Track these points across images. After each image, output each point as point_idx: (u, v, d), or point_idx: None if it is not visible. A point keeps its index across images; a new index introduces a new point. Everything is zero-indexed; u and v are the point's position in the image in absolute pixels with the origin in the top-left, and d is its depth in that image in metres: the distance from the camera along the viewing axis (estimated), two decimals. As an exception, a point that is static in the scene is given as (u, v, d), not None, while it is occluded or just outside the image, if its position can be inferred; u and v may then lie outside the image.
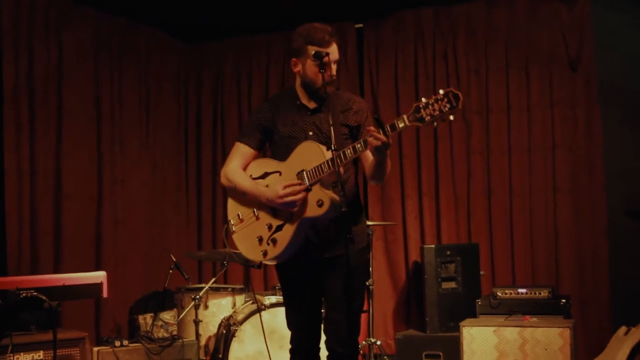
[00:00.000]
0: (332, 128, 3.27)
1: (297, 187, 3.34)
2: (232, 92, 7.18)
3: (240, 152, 3.63)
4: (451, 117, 3.09)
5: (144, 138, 6.71)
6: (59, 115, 5.85)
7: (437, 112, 3.09)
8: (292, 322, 3.65)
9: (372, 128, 3.18)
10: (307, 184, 3.35)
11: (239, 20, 6.82)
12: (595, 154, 6.00)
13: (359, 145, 3.25)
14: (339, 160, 3.27)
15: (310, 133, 3.49)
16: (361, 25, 6.73)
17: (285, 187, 3.35)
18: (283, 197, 3.34)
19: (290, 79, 6.80)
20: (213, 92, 7.27)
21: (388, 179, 6.36)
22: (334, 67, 3.45)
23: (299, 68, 3.51)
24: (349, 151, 3.28)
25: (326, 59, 3.37)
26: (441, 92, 3.09)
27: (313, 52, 3.37)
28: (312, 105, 3.53)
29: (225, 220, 3.66)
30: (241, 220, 3.57)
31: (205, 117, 7.26)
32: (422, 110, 3.11)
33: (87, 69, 6.12)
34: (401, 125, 3.15)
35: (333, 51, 3.43)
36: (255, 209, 3.52)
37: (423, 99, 3.13)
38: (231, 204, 3.64)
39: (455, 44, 6.41)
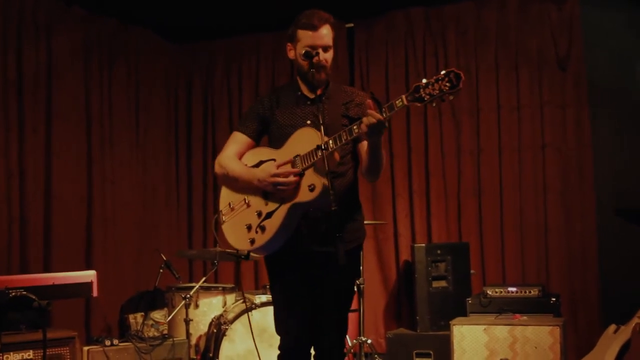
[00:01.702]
0: (320, 116, 3.23)
1: (290, 169, 3.29)
2: (223, 92, 7.19)
3: (236, 140, 3.59)
4: (451, 97, 3.02)
5: (134, 138, 6.70)
6: (48, 116, 5.84)
7: (437, 92, 3.01)
8: (282, 324, 3.51)
9: (369, 102, 3.12)
10: (301, 167, 3.29)
11: (229, 21, 6.82)
12: (585, 153, 6.02)
13: (355, 127, 3.17)
14: (334, 144, 3.21)
15: (309, 122, 3.42)
16: (352, 25, 6.74)
17: (278, 166, 3.31)
18: (274, 176, 3.29)
19: (281, 80, 6.87)
20: (203, 92, 7.27)
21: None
22: (322, 53, 3.39)
23: (292, 53, 3.49)
24: (344, 134, 3.20)
25: (312, 42, 3.37)
26: (442, 72, 3.03)
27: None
28: (312, 95, 3.47)
29: (216, 212, 3.60)
30: (232, 209, 3.51)
31: (196, 117, 7.26)
32: (421, 90, 3.04)
33: (77, 69, 6.11)
34: (399, 104, 3.07)
35: (320, 36, 3.39)
36: (246, 197, 3.46)
37: (424, 80, 3.05)
38: (224, 193, 3.59)
39: (446, 43, 6.42)
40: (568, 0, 6.08)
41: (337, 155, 3.33)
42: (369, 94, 3.51)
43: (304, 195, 3.27)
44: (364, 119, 3.12)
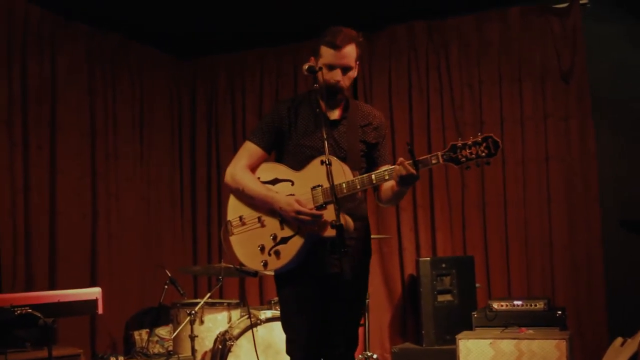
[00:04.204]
0: (325, 143, 3.16)
1: (314, 211, 3.21)
2: (226, 106, 7.20)
3: (250, 152, 3.46)
4: (486, 164, 3.07)
5: (138, 153, 6.72)
6: (53, 131, 5.85)
7: (474, 156, 3.05)
8: (292, 334, 3.41)
9: (402, 159, 3.11)
10: (322, 201, 3.23)
11: (232, 36, 6.85)
12: (589, 165, 6.02)
13: (386, 174, 3.18)
14: (362, 185, 3.20)
15: (327, 145, 3.28)
16: (354, 38, 6.75)
17: (302, 205, 3.21)
18: (299, 213, 3.21)
19: (284, 94, 6.87)
20: (207, 107, 7.29)
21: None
22: (338, 72, 3.33)
23: None
24: (374, 177, 3.20)
25: (332, 61, 3.31)
26: (479, 135, 3.06)
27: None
28: (333, 115, 3.42)
29: (221, 223, 3.51)
30: (243, 223, 3.40)
31: (200, 132, 7.27)
32: (458, 151, 3.06)
33: (80, 85, 6.13)
34: (434, 162, 3.11)
35: (341, 56, 3.32)
36: (262, 215, 3.36)
37: (460, 140, 3.08)
38: (234, 203, 3.46)
39: (449, 57, 6.44)
40: (570, 12, 6.08)
41: (360, 193, 3.34)
42: (384, 117, 3.58)
43: (325, 230, 3.22)
44: (396, 169, 3.13)
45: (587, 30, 6.07)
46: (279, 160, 3.51)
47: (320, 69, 3.32)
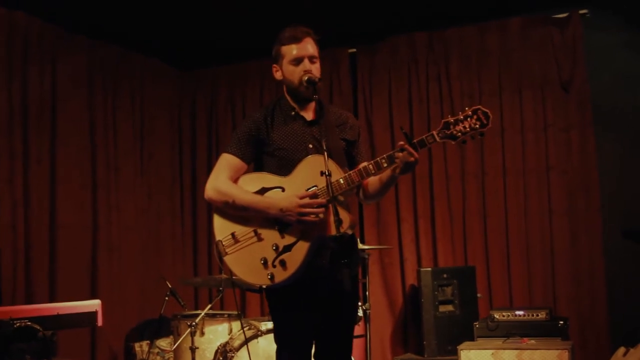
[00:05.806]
0: (325, 153, 3.13)
1: (317, 200, 3.13)
2: (227, 118, 7.20)
3: (230, 164, 3.34)
4: (480, 136, 3.11)
5: (139, 165, 6.71)
6: (53, 143, 5.84)
7: (468, 129, 3.08)
8: (285, 351, 3.38)
9: (402, 143, 3.10)
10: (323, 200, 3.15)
11: (232, 47, 6.85)
12: (590, 175, 6.01)
13: (383, 161, 3.14)
14: (360, 177, 3.16)
15: (310, 146, 3.28)
16: (354, 50, 6.76)
17: (303, 197, 3.14)
18: (303, 206, 3.12)
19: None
20: (207, 118, 7.29)
21: (384, 202, 6.39)
22: (307, 62, 3.29)
23: (279, 74, 3.39)
24: (371, 166, 3.15)
25: (297, 54, 3.29)
26: (468, 109, 3.10)
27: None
28: (308, 116, 3.36)
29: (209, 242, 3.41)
30: (236, 241, 3.26)
31: (200, 143, 7.27)
32: (451, 127, 3.09)
33: (81, 96, 6.13)
34: (431, 141, 3.12)
35: (304, 47, 3.30)
36: (257, 228, 3.24)
37: (450, 116, 3.11)
38: (221, 222, 3.31)
39: (449, 68, 6.44)
40: (570, 22, 6.09)
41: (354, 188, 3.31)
42: (354, 117, 3.56)
43: (329, 230, 3.14)
44: (400, 155, 3.11)
45: (587, 40, 6.08)
46: (258, 170, 3.41)
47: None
